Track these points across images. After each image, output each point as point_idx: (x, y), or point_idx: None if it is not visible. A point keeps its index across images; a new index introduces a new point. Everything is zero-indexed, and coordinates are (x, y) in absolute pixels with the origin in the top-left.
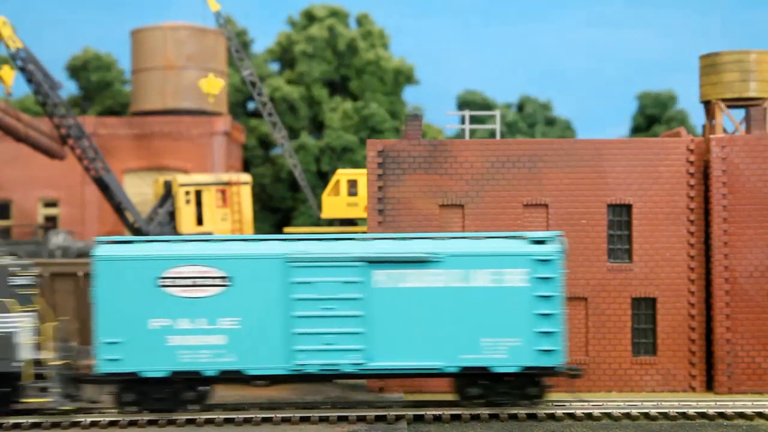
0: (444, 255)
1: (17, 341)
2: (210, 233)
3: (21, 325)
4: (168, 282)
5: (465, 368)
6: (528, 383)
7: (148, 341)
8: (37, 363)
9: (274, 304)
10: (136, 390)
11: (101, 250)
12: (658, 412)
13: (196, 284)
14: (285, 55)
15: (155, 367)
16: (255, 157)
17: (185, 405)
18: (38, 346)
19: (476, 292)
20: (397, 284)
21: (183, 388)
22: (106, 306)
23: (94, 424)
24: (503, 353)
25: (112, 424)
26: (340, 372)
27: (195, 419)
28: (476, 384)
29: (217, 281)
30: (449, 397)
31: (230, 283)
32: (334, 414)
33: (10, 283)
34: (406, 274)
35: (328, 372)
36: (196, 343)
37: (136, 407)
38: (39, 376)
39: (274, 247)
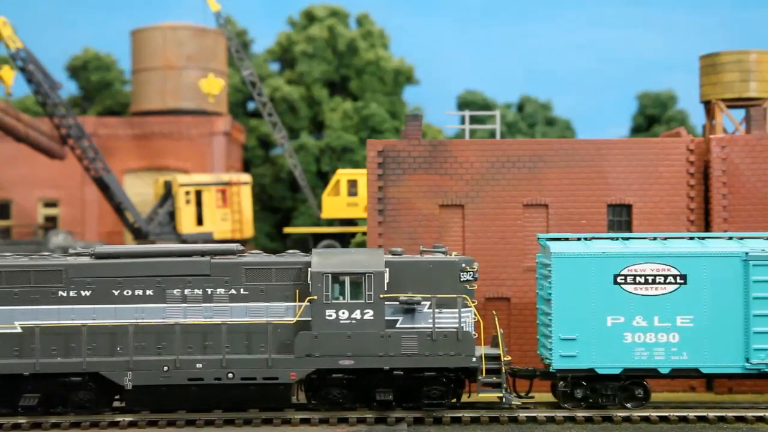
0: None
1: (473, 336)
2: (210, 233)
3: (472, 320)
4: (624, 279)
5: None
6: None
7: (604, 338)
8: (492, 358)
9: (731, 303)
10: (587, 386)
11: (556, 248)
12: (657, 416)
13: (653, 282)
14: (285, 55)
15: (610, 364)
16: (255, 157)
17: (634, 402)
18: (492, 341)
19: None
20: None
21: (633, 385)
22: (562, 302)
23: (94, 425)
24: None
25: (112, 425)
26: None
27: (195, 421)
28: None
29: (672, 279)
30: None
31: (685, 281)
32: (334, 416)
33: (462, 279)
34: None
35: None
36: (650, 341)
37: (584, 403)
38: (491, 371)
39: (730, 245)
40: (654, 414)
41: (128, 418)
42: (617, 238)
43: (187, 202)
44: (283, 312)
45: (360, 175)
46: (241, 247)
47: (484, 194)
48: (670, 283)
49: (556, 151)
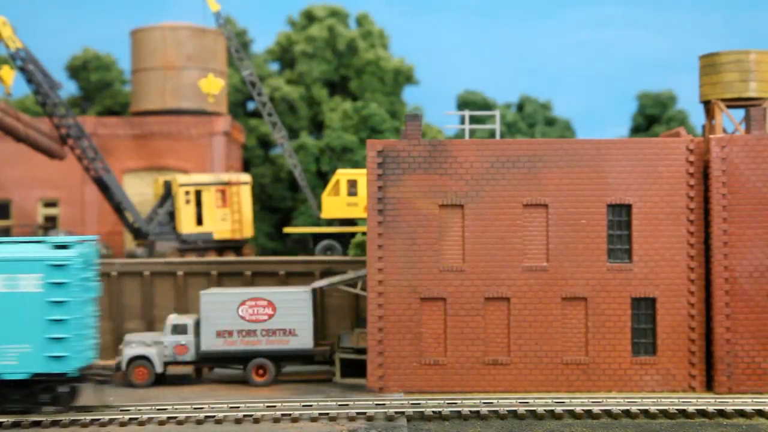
0: None
1: None
2: (210, 233)
3: None
4: None
5: None
6: (42, 390)
7: None
8: None
9: None
10: None
11: None
12: (657, 410)
13: None
14: (285, 55)
15: None
16: (255, 157)
17: None
18: None
19: None
20: None
21: None
22: None
23: (94, 421)
24: (13, 360)
25: (112, 421)
26: None
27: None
28: None
29: None
30: (448, 395)
31: None
32: (334, 411)
33: None
34: None
35: None
36: None
37: None
38: None
39: None
40: (653, 408)
41: (128, 416)
42: None
43: (187, 202)
44: None
45: (360, 175)
46: None
47: (484, 194)
48: None
49: (556, 151)
